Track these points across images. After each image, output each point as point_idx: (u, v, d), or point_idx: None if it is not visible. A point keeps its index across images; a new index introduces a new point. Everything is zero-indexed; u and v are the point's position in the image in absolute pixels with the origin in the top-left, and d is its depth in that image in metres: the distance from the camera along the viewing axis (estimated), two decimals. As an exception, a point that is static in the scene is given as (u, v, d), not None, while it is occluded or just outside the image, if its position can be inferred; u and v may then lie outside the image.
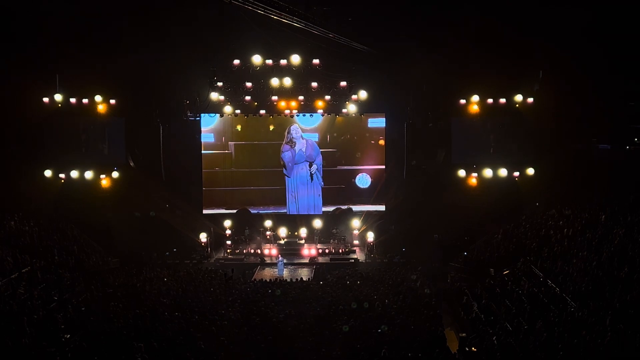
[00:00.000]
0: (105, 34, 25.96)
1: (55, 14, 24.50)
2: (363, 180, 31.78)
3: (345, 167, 31.78)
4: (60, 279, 21.38)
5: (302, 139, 31.29)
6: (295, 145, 31.21)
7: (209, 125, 31.30)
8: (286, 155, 31.36)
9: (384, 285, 21.61)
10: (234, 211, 31.41)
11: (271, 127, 31.41)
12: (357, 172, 31.80)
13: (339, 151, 31.62)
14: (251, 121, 30.92)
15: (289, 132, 31.24)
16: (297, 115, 30.55)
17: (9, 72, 24.89)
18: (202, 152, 31.42)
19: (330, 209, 31.62)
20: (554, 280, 18.57)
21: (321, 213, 31.42)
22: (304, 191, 31.55)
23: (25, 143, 28.02)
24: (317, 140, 31.36)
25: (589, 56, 24.47)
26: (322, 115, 30.52)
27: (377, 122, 31.32)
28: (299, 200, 31.54)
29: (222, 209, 31.52)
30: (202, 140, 31.38)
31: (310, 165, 31.19)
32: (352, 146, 31.76)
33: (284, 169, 31.54)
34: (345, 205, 31.59)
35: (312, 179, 31.23)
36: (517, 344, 15.47)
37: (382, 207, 31.49)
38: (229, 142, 31.60)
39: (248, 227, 30.37)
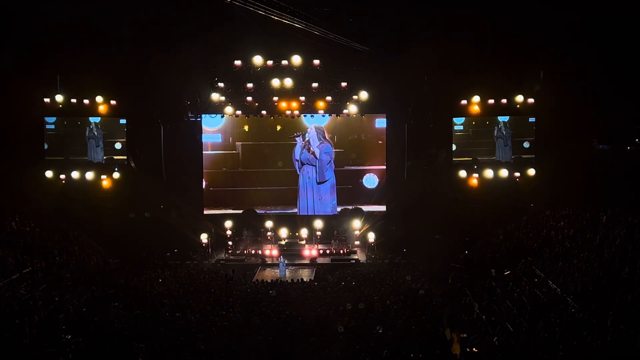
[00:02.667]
0: (106, 34, 25.99)
1: (56, 14, 24.51)
2: (370, 181, 31.75)
3: (353, 168, 31.74)
4: (61, 279, 21.39)
5: (319, 140, 31.20)
6: (309, 146, 31.17)
7: (216, 126, 31.29)
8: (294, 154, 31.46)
9: (384, 286, 21.60)
10: (240, 212, 31.38)
11: (278, 128, 31.39)
12: (364, 172, 31.78)
13: (346, 151, 31.57)
14: (258, 121, 30.91)
15: (307, 134, 31.21)
16: (305, 116, 30.51)
17: (10, 73, 24.90)
18: (209, 152, 31.43)
19: (338, 209, 31.61)
20: (555, 280, 18.57)
21: (328, 214, 31.44)
22: (304, 193, 31.55)
23: (26, 143, 28.07)
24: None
25: (589, 57, 24.46)
26: (323, 116, 30.50)
27: (384, 123, 31.31)
28: (300, 201, 31.58)
29: (229, 209, 31.51)
30: (209, 141, 31.38)
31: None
32: (359, 146, 31.70)
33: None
34: (352, 205, 31.50)
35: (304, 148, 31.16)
36: (518, 344, 15.48)
37: (383, 207, 31.51)
38: (236, 143, 31.60)
39: (247, 228, 30.36)
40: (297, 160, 31.38)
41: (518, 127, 28.93)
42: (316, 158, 31.17)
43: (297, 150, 31.26)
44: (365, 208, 31.38)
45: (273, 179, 31.70)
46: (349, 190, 31.78)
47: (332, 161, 31.39)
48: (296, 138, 30.94)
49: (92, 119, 29.07)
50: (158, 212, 29.84)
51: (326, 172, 31.42)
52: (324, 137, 31.17)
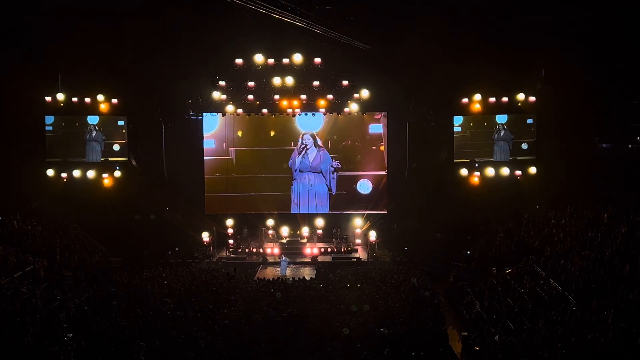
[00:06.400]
0: (107, 32, 25.99)
1: (57, 12, 24.51)
2: (364, 186, 31.65)
3: (347, 173, 31.60)
4: (63, 278, 21.44)
5: (316, 147, 31.21)
6: (307, 153, 31.17)
7: (210, 131, 31.17)
8: (291, 161, 31.32)
9: (386, 285, 21.62)
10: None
11: (272, 133, 31.37)
12: (358, 178, 31.68)
13: (340, 157, 31.40)
14: (252, 127, 30.94)
15: (302, 141, 31.18)
16: (301, 115, 30.44)
17: (12, 71, 24.91)
18: (204, 157, 31.30)
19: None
20: (556, 279, 18.57)
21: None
22: (306, 200, 31.49)
23: (27, 142, 28.08)
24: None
25: (591, 55, 24.45)
26: (324, 114, 30.49)
27: (378, 128, 31.26)
28: (301, 208, 31.51)
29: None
30: (204, 147, 31.26)
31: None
32: (353, 152, 31.56)
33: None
34: (347, 210, 31.49)
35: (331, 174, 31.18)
36: (519, 342, 15.49)
37: (384, 212, 31.34)
38: (230, 148, 31.40)
39: (246, 227, 30.37)
40: (296, 170, 31.32)
41: (517, 127, 28.85)
42: (319, 170, 31.17)
43: (297, 160, 31.23)
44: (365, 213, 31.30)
45: (267, 184, 31.49)
46: (343, 196, 31.62)
47: None
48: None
49: (90, 120, 29.06)
50: (161, 211, 29.80)
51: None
52: (317, 145, 31.24)
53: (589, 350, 13.59)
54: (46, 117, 28.75)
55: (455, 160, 29.08)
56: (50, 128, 28.99)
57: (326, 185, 31.31)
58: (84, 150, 29.21)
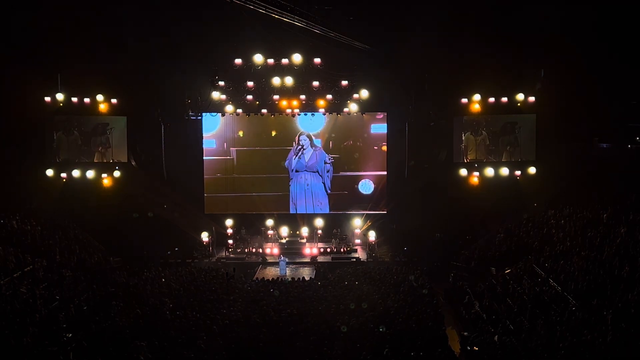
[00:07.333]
0: (107, 32, 26.00)
1: (57, 12, 24.51)
2: (366, 187, 31.62)
3: (348, 173, 31.58)
4: (62, 278, 21.43)
5: (312, 147, 31.20)
6: (303, 153, 31.16)
7: (211, 131, 31.11)
8: (287, 161, 31.30)
9: (385, 285, 21.61)
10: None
11: (273, 133, 31.32)
12: (360, 178, 31.63)
13: (341, 157, 31.34)
14: (253, 127, 30.91)
15: (298, 141, 31.15)
16: (300, 115, 30.42)
17: (11, 71, 24.88)
18: (204, 157, 31.23)
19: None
20: (556, 279, 18.58)
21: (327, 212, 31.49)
22: (303, 199, 31.46)
23: (27, 142, 28.07)
24: (320, 145, 31.28)
25: (591, 55, 24.42)
26: (324, 114, 30.48)
27: (380, 128, 31.21)
28: (298, 208, 31.50)
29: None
30: (204, 147, 31.23)
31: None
32: (354, 152, 31.48)
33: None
34: (346, 210, 31.46)
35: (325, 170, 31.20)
36: (519, 343, 15.50)
37: (383, 212, 31.31)
38: (231, 148, 31.34)
39: (244, 228, 30.36)
40: (292, 170, 31.32)
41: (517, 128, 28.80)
42: (315, 170, 31.14)
43: (294, 161, 31.20)
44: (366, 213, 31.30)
45: (268, 184, 31.44)
46: (344, 195, 31.54)
47: None
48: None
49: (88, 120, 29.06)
50: (160, 210, 29.79)
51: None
52: (313, 145, 31.24)
53: (589, 350, 13.60)
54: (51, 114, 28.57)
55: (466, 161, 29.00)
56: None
57: (322, 183, 31.30)
58: (82, 152, 29.14)
